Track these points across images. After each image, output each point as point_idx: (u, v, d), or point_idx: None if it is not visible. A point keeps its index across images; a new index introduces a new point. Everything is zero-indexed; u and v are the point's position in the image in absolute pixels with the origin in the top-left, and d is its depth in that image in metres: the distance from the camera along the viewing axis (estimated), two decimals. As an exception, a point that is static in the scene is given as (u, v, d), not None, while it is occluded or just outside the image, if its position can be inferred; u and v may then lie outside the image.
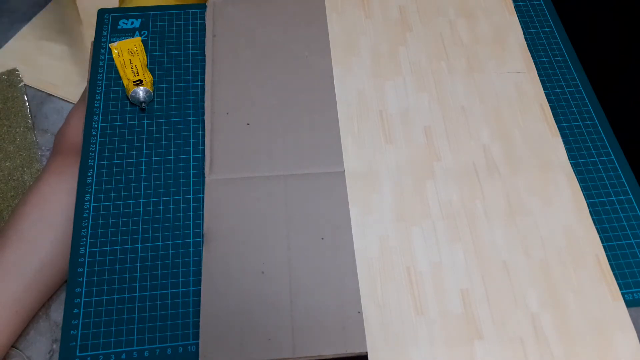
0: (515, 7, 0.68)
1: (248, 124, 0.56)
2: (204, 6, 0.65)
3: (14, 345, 0.53)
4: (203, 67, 0.60)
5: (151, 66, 0.60)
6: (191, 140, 0.56)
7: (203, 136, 0.56)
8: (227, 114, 0.57)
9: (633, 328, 0.47)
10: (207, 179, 0.53)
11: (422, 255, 0.50)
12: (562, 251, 0.50)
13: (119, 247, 0.50)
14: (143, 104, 0.56)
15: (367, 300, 0.47)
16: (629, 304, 0.49)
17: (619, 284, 0.49)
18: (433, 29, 0.64)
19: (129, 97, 0.57)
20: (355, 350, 0.45)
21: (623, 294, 0.49)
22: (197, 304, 0.47)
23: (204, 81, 0.59)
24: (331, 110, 0.58)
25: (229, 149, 0.55)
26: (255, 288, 0.47)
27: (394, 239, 0.50)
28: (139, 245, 0.50)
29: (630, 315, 0.48)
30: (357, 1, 0.66)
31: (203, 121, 0.57)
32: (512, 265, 0.49)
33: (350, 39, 0.63)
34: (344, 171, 0.54)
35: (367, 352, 0.45)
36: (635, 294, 0.49)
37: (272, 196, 0.52)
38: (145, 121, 0.57)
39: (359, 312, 0.47)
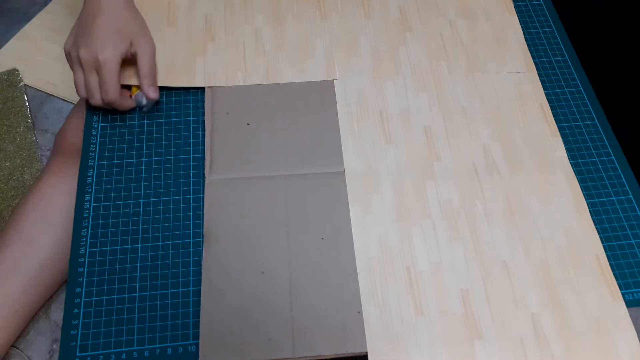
0: (516, 7, 0.68)
1: (248, 124, 0.56)
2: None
3: (14, 345, 0.53)
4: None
5: (151, 66, 0.60)
6: (191, 140, 0.56)
7: (203, 136, 0.56)
8: (227, 114, 0.57)
9: (633, 328, 0.47)
10: (207, 179, 0.53)
11: (422, 256, 0.50)
12: (562, 251, 0.50)
13: (119, 247, 0.50)
14: (144, 108, 0.56)
15: (367, 300, 0.47)
16: (629, 304, 0.49)
17: (618, 284, 0.49)
18: (433, 29, 0.64)
19: (132, 99, 0.56)
20: (355, 350, 0.45)
21: (623, 294, 0.49)
22: (197, 304, 0.47)
23: (204, 81, 0.59)
24: (331, 110, 0.58)
25: (229, 149, 0.54)
26: (255, 288, 0.47)
27: (394, 239, 0.50)
28: (139, 245, 0.50)
29: (630, 315, 0.48)
30: (357, 1, 0.66)
31: (203, 121, 0.57)
32: (512, 265, 0.49)
33: (351, 39, 0.63)
34: (344, 171, 0.54)
35: (367, 352, 0.45)
36: (635, 294, 0.49)
37: (272, 196, 0.52)
38: (145, 121, 0.57)
39: (359, 312, 0.47)
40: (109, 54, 0.51)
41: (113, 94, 0.52)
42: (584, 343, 0.46)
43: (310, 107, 0.58)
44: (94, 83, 0.52)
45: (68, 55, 0.53)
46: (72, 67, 0.53)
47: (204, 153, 0.55)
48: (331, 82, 0.59)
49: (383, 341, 0.45)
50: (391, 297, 0.47)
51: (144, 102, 0.56)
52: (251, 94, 0.58)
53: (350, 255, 0.49)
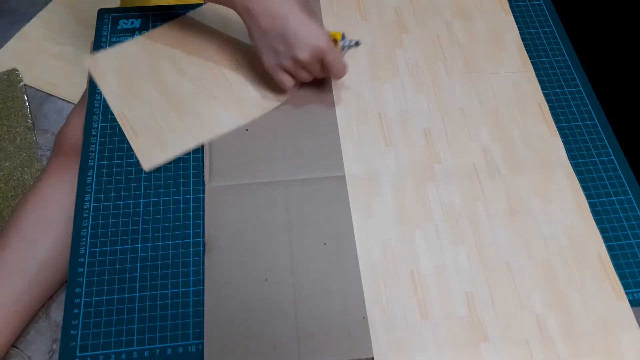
0: (515, 7, 0.68)
1: (247, 130, 0.56)
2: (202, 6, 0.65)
3: (14, 345, 0.53)
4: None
5: (151, 66, 0.60)
6: (191, 140, 0.56)
7: (203, 136, 0.56)
8: None
9: (638, 326, 0.47)
10: (206, 187, 0.52)
11: (425, 259, 0.50)
12: (564, 251, 0.50)
13: (119, 247, 0.50)
14: (358, 43, 0.55)
15: (372, 305, 0.47)
16: (630, 304, 0.49)
17: (618, 284, 0.49)
18: (429, 30, 0.64)
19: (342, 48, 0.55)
20: (362, 355, 0.45)
21: (623, 294, 0.49)
22: (197, 304, 0.47)
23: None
24: (330, 114, 0.57)
25: (228, 156, 0.54)
26: (259, 296, 0.47)
27: (397, 242, 0.50)
28: (139, 245, 0.50)
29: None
30: (352, 3, 0.66)
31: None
32: (516, 267, 0.49)
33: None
34: (345, 175, 0.54)
35: (373, 358, 0.45)
36: (635, 294, 0.49)
37: (273, 202, 0.52)
38: (145, 121, 0.57)
39: (364, 318, 0.46)
40: (324, 37, 0.50)
41: (344, 67, 0.53)
42: (589, 343, 0.46)
43: (308, 111, 0.57)
44: (319, 71, 0.53)
45: (279, 69, 0.53)
46: (290, 76, 0.54)
47: (203, 153, 0.55)
48: (329, 85, 0.59)
49: (389, 346, 0.45)
50: (396, 301, 0.47)
51: (350, 42, 0.55)
52: None
53: (353, 260, 0.49)
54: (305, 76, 0.54)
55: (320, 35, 0.50)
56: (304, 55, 0.50)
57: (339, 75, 0.54)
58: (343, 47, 0.54)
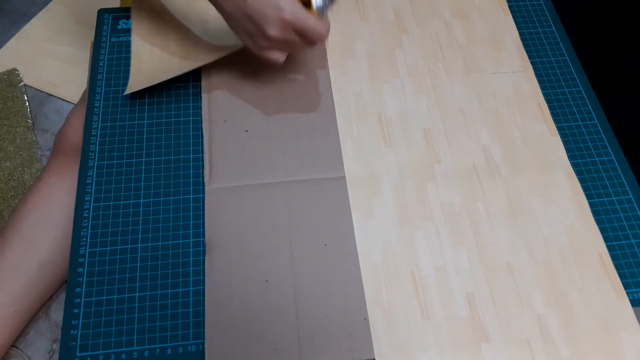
0: (515, 7, 0.68)
1: (246, 131, 0.56)
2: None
3: (14, 345, 0.53)
4: (203, 67, 0.60)
5: (151, 66, 0.60)
6: (191, 141, 0.56)
7: (202, 136, 0.56)
8: (225, 121, 0.56)
9: (639, 326, 0.47)
10: (207, 188, 0.52)
11: (426, 259, 0.50)
12: (565, 251, 0.50)
13: (119, 247, 0.50)
14: (327, 8, 0.51)
15: (373, 306, 0.47)
16: (631, 303, 0.49)
17: (619, 284, 0.49)
18: (429, 31, 0.64)
19: (318, 10, 0.51)
20: (363, 356, 0.45)
21: (623, 294, 0.49)
22: (197, 304, 0.47)
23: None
24: (330, 115, 0.57)
25: (228, 157, 0.54)
26: (260, 297, 0.47)
27: (398, 243, 0.50)
28: (139, 245, 0.50)
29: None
30: (351, 4, 0.66)
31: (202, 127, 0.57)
32: (516, 267, 0.49)
33: (346, 43, 0.63)
34: (345, 176, 0.54)
35: (374, 359, 0.45)
36: (635, 294, 0.49)
37: (273, 203, 0.52)
38: (145, 121, 0.57)
39: (365, 319, 0.46)
40: (287, 5, 0.46)
41: (322, 27, 0.48)
42: (590, 343, 0.46)
43: (308, 112, 0.57)
44: (298, 42, 0.49)
45: (261, 49, 0.49)
46: (270, 54, 0.49)
47: (203, 153, 0.55)
48: (329, 86, 0.59)
49: (390, 347, 0.45)
50: (397, 302, 0.47)
51: (323, 2, 0.51)
52: (248, 101, 0.58)
53: (354, 261, 0.49)
54: (290, 50, 0.50)
55: (281, 4, 0.45)
56: (273, 31, 0.46)
57: (319, 38, 0.48)
58: (317, 8, 0.50)
